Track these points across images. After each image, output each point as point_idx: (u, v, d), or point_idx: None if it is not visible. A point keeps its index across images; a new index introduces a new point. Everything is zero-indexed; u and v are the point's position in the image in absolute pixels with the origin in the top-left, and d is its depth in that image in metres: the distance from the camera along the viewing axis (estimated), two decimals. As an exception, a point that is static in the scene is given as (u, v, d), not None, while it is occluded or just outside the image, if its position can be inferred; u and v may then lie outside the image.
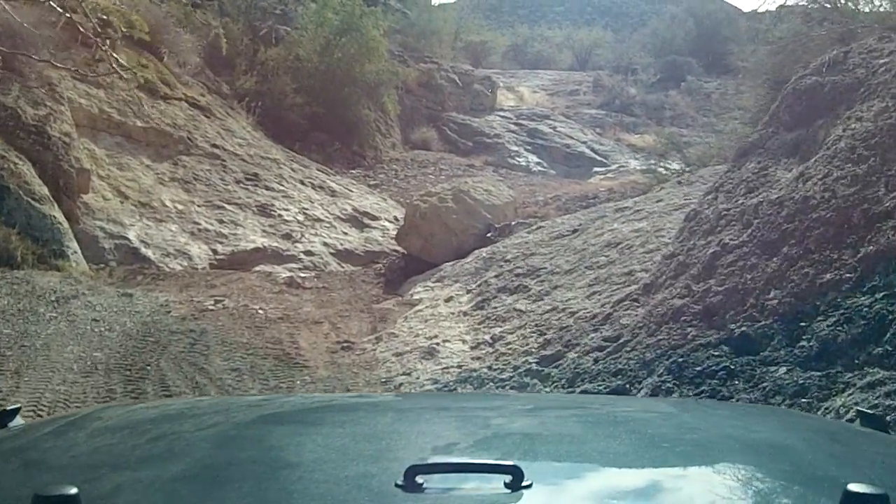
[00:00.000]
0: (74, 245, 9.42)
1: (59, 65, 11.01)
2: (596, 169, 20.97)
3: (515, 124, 23.15)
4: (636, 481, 1.54)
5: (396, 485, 1.32)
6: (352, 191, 14.00)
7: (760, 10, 34.37)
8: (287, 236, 11.59)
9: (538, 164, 20.95)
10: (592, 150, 22.07)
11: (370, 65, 18.71)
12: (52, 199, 9.49)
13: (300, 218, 12.13)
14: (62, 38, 11.63)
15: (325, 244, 11.75)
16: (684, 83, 26.31)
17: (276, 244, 11.30)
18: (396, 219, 13.21)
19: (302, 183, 13.36)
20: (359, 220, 12.79)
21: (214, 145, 12.96)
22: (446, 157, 19.92)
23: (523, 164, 20.85)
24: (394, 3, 25.88)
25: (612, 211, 9.27)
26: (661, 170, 13.30)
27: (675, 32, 31.00)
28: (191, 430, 1.95)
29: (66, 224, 9.39)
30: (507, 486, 1.32)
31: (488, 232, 10.61)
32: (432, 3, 32.02)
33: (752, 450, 1.73)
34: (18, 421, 1.93)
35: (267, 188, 12.61)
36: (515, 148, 21.62)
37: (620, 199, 12.55)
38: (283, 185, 12.89)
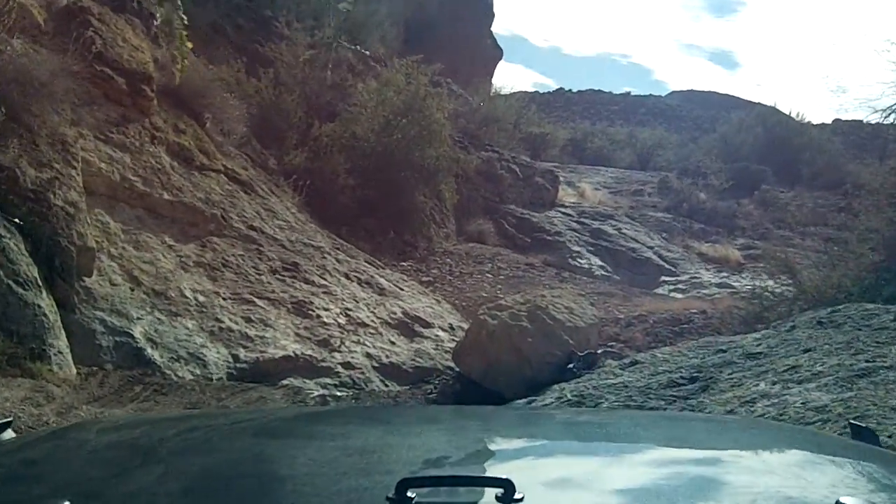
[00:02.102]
0: (61, 342, 7.39)
1: (74, 119, 9.15)
2: (664, 278, 18.81)
3: (577, 222, 21.08)
4: (627, 495, 1.49)
5: (388, 498, 1.29)
6: (402, 289, 11.91)
7: (843, 119, 32.36)
8: (324, 343, 9.48)
9: (601, 267, 18.82)
10: (660, 256, 19.91)
11: (430, 149, 16.84)
12: (41, 283, 7.49)
13: (342, 321, 10.04)
14: (88, 91, 9.79)
15: (369, 355, 9.62)
16: (758, 192, 24.18)
17: (310, 352, 9.19)
18: (451, 327, 11.08)
19: (347, 277, 11.31)
20: (409, 326, 10.67)
21: (251, 227, 10.98)
22: (503, 252, 17.84)
23: (585, 266, 18.73)
24: (455, 87, 24.23)
25: (742, 356, 7.05)
26: (767, 294, 11.02)
27: (743, 139, 29.01)
28: (182, 443, 1.93)
29: (52, 316, 7.37)
30: (498, 499, 1.30)
31: (569, 362, 8.44)
32: (491, 93, 30.60)
33: (744, 463, 1.74)
34: (9, 434, 1.86)
35: (306, 281, 10.56)
36: (577, 248, 19.51)
37: (721, 328, 10.35)
38: (325, 279, 10.84)
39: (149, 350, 8.15)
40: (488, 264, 16.21)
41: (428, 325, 10.86)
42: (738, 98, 56.54)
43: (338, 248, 12.27)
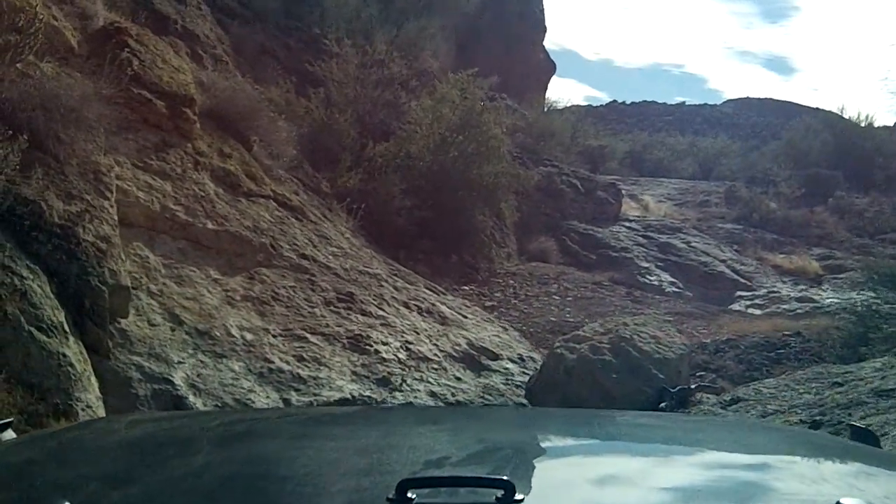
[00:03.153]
0: (90, 395, 6.49)
1: (109, 146, 8.32)
2: (739, 293, 17.58)
3: (644, 237, 19.93)
4: (627, 496, 1.48)
5: (388, 499, 1.29)
6: (466, 316, 10.89)
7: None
8: (384, 381, 8.50)
9: (672, 283, 17.65)
10: (734, 270, 18.67)
11: (489, 166, 15.86)
12: (68, 328, 6.62)
13: (402, 355, 9.05)
14: (124, 116, 8.97)
15: (433, 394, 8.62)
16: (831, 199, 22.73)
17: (369, 392, 8.22)
18: (521, 358, 10.02)
19: (406, 306, 10.32)
20: (475, 359, 9.64)
21: (303, 255, 10.06)
22: (567, 271, 16.78)
23: (655, 283, 17.58)
24: (510, 102, 23.21)
25: (872, 394, 5.91)
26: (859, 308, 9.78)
27: (811, 144, 27.52)
28: (183, 444, 1.91)
29: (81, 365, 6.48)
30: (498, 500, 1.29)
31: (660, 400, 7.35)
32: (545, 108, 29.62)
33: (744, 464, 1.72)
34: (10, 434, 1.86)
35: (363, 313, 9.59)
36: (646, 264, 18.36)
37: (822, 353, 9.14)
38: (383, 310, 9.86)
39: (191, 398, 7.24)
40: (554, 285, 15.14)
41: (496, 357, 9.82)
42: (796, 104, 54.77)
43: (395, 275, 11.30)
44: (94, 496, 1.46)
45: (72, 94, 7.85)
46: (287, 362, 8.21)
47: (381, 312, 9.78)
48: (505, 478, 1.31)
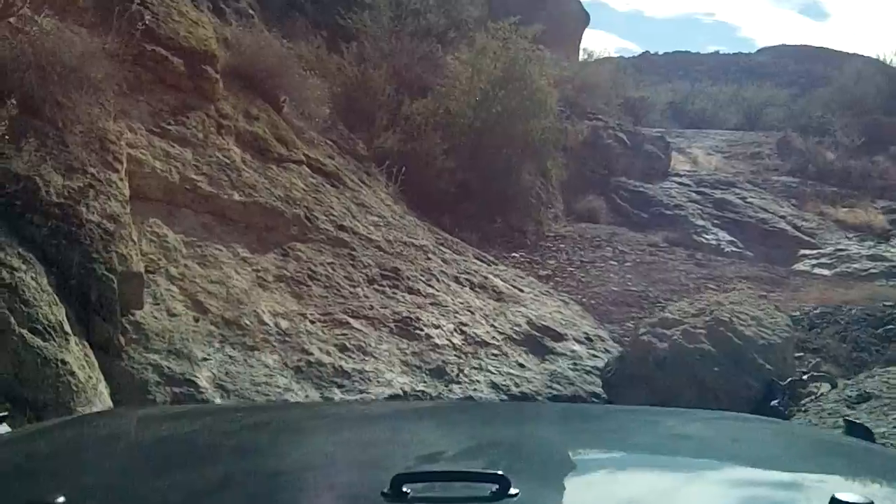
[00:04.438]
0: (96, 408, 5.37)
1: (119, 110, 7.16)
2: (803, 251, 16.20)
3: (697, 192, 18.55)
4: (622, 490, 1.46)
5: (383, 493, 1.27)
6: (522, 290, 9.68)
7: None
8: (439, 372, 7.34)
9: (731, 243, 16.33)
10: (794, 226, 17.27)
11: (535, 121, 14.49)
12: (69, 327, 5.50)
13: (457, 340, 7.87)
14: (136, 76, 7.79)
15: (495, 385, 7.44)
16: (893, 147, 21.13)
17: (422, 386, 7.07)
18: (588, 337, 8.81)
19: (457, 280, 9.12)
20: (538, 341, 8.44)
21: (341, 227, 8.87)
22: (619, 231, 15.46)
23: (713, 242, 16.25)
24: (548, 54, 21.72)
25: None
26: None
27: (864, 90, 25.78)
28: (178, 438, 1.91)
29: (83, 373, 5.36)
30: (493, 494, 1.27)
31: (769, 395, 6.10)
32: (580, 59, 28.10)
33: (739, 458, 1.70)
34: (5, 428, 1.84)
35: (410, 291, 8.41)
36: (701, 222, 17.03)
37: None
38: (432, 286, 8.67)
39: (218, 401, 6.11)
40: (608, 248, 13.85)
41: (560, 338, 8.60)
42: (834, 50, 52.47)
43: (442, 245, 10.09)
44: (90, 491, 1.42)
45: (71, 52, 6.65)
46: (328, 353, 7.06)
47: (430, 290, 8.59)
48: (500, 472, 1.29)
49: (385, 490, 1.27)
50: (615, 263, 12.61)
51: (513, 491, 1.27)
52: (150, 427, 2.08)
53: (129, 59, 7.56)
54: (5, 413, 1.94)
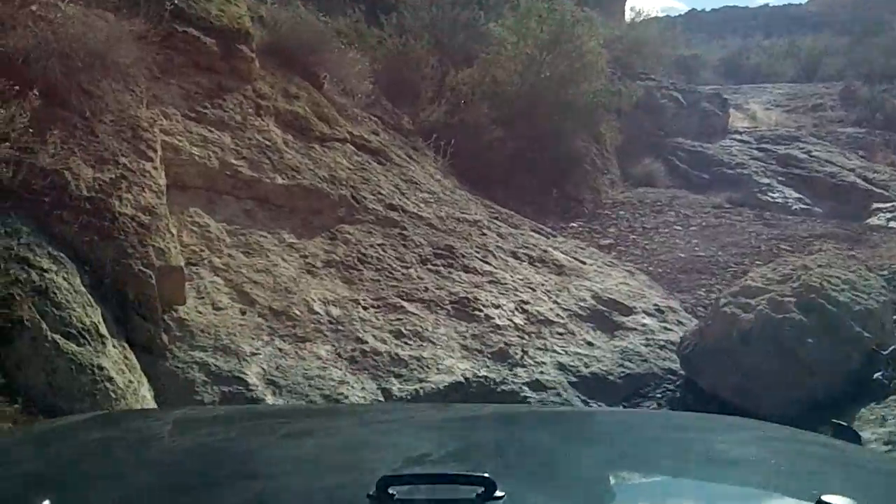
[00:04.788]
0: (139, 414, 5.01)
1: (151, 96, 6.78)
2: (876, 205, 15.31)
3: (759, 149, 17.71)
4: (608, 494, 1.44)
5: (369, 496, 1.27)
6: (584, 262, 9.15)
7: None
8: (501, 356, 6.88)
9: (798, 200, 15.50)
10: (865, 179, 16.36)
11: (586, 84, 13.87)
12: (105, 329, 5.15)
13: (518, 319, 7.39)
14: (167, 59, 7.40)
15: (562, 366, 6.96)
16: (965, 91, 20.07)
17: (485, 372, 6.61)
18: (658, 309, 8.27)
19: (515, 256, 8.63)
20: (605, 316, 7.93)
21: (390, 206, 8.43)
22: (679, 195, 14.78)
23: (779, 201, 15.46)
24: (595, 15, 20.98)
25: None
26: None
27: (929, 32, 24.54)
28: (164, 441, 1.91)
29: (122, 378, 4.99)
30: (479, 497, 1.27)
31: (874, 369, 5.52)
32: (625, 19, 27.20)
33: (726, 462, 1.69)
34: None
35: (466, 269, 7.95)
36: (766, 180, 16.22)
37: None
38: (489, 264, 8.20)
39: (269, 398, 5.74)
40: (670, 212, 13.21)
41: (629, 311, 8.08)
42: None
43: (497, 219, 9.60)
44: (76, 493, 1.40)
45: (97, 37, 6.27)
46: (383, 341, 6.64)
47: (487, 267, 8.11)
48: (486, 475, 1.28)
49: (371, 492, 1.26)
50: (680, 228, 11.99)
51: (498, 493, 1.26)
52: (136, 431, 2.03)
53: (158, 42, 7.16)
54: None
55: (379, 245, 7.80)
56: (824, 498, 1.21)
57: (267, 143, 7.91)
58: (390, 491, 1.27)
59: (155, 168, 6.28)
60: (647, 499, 1.45)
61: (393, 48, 12.68)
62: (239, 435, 1.98)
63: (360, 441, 1.86)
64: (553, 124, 13.41)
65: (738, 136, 18.56)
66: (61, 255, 5.22)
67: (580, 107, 13.85)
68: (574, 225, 11.79)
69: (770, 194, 15.67)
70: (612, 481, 1.53)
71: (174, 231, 6.13)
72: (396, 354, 6.49)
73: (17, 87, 5.33)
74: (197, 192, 7.13)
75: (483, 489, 1.27)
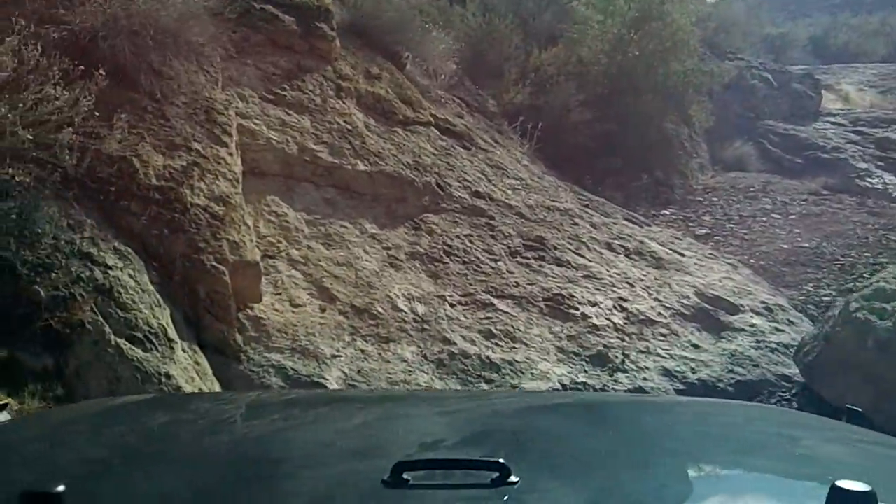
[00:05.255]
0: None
1: (227, 77, 6.24)
2: (984, 191, 14.10)
3: (855, 132, 16.53)
4: (623, 479, 1.42)
5: (383, 481, 1.25)
6: (683, 254, 8.38)
7: None
8: (600, 360, 6.19)
9: (899, 186, 14.36)
10: (970, 164, 15.12)
11: (676, 63, 12.99)
12: (175, 332, 4.62)
13: (617, 319, 6.69)
14: (244, 38, 6.86)
15: (667, 371, 6.24)
16: None
17: (583, 377, 5.94)
18: (767, 307, 7.47)
19: (610, 248, 7.91)
20: (710, 314, 7.17)
21: (477, 193, 7.78)
22: (773, 180, 13.83)
23: (879, 186, 14.34)
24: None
25: None
26: None
27: None
28: (178, 426, 1.86)
29: (190, 387, 4.45)
30: (493, 482, 1.25)
31: None
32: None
33: (740, 447, 1.67)
34: (5, 416, 1.82)
35: (559, 263, 7.26)
36: (863, 165, 15.09)
37: None
38: (583, 256, 7.49)
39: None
40: (765, 199, 12.30)
41: (735, 310, 7.31)
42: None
43: (587, 207, 8.87)
44: (91, 479, 1.40)
45: (169, 14, 5.72)
46: (472, 341, 6.01)
47: (581, 260, 7.42)
48: (500, 460, 1.27)
49: (386, 477, 1.25)
50: (778, 216, 11.09)
51: (513, 479, 1.24)
52: (149, 416, 1.98)
53: (234, 20, 6.64)
54: (6, 402, 1.87)
55: (465, 236, 7.16)
56: (838, 483, 1.15)
57: (348, 126, 7.33)
58: (405, 476, 1.25)
59: (230, 154, 5.73)
60: (662, 484, 1.39)
61: (476, 27, 12.00)
62: (252, 420, 1.93)
63: (375, 427, 1.82)
64: (641, 106, 12.60)
65: (832, 119, 17.40)
66: (128, 249, 4.71)
67: (670, 87, 12.99)
68: (666, 212, 10.99)
69: (869, 180, 14.56)
70: (627, 467, 1.47)
71: (250, 222, 5.58)
72: (487, 357, 5.86)
73: (81, 68, 4.81)
74: (274, 179, 6.58)
75: (497, 474, 1.25)
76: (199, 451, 1.60)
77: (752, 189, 12.96)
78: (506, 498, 1.23)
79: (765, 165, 15.23)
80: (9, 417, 1.84)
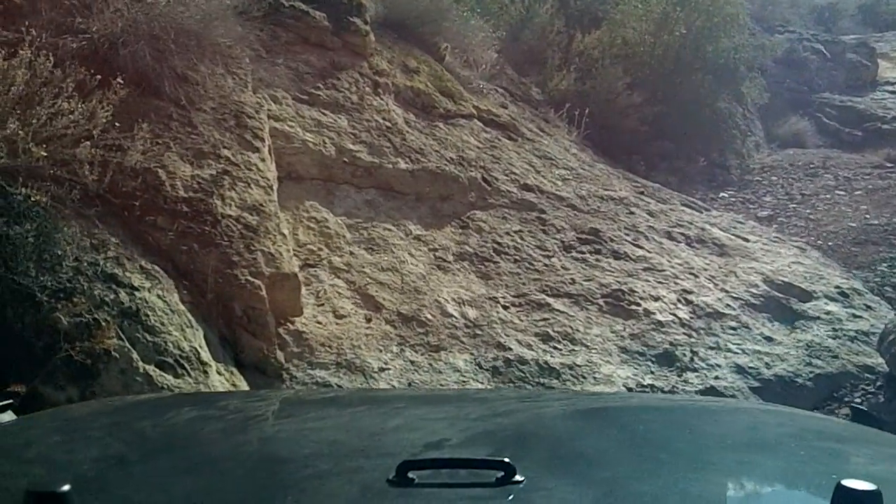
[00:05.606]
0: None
1: (257, 79, 5.86)
2: None
3: (916, 100, 15.72)
4: (628, 478, 1.39)
5: (388, 480, 1.25)
6: (747, 239, 7.83)
7: None
8: (667, 358, 5.70)
9: (967, 157, 13.54)
10: None
11: (726, 40, 12.37)
12: (209, 354, 4.26)
13: (683, 313, 6.19)
14: (272, 37, 6.49)
15: (739, 368, 5.74)
16: None
17: (650, 380, 5.46)
18: (842, 292, 6.92)
19: (669, 236, 7.40)
20: (781, 303, 6.63)
21: (525, 186, 7.33)
22: (832, 155, 13.16)
23: (945, 157, 13.54)
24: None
25: None
26: None
27: None
28: (184, 424, 1.84)
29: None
30: (498, 481, 1.24)
31: None
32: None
33: (746, 446, 1.64)
34: (9, 416, 1.77)
35: (616, 255, 6.78)
36: (928, 135, 14.29)
37: None
38: (641, 247, 7.00)
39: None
40: (826, 175, 11.66)
41: (808, 297, 6.76)
42: None
43: (642, 194, 8.36)
44: (97, 478, 1.38)
45: (191, 14, 5.36)
46: (528, 346, 5.57)
47: (639, 252, 6.92)
48: (505, 459, 1.25)
49: (391, 477, 1.24)
50: (843, 193, 10.45)
51: (518, 478, 1.23)
52: (155, 414, 1.93)
53: (262, 18, 6.26)
54: (10, 401, 1.76)
55: (516, 232, 6.72)
56: (844, 482, 1.11)
57: (387, 123, 6.92)
58: (410, 475, 1.23)
59: (262, 160, 5.36)
60: (667, 484, 1.34)
61: (515, 13, 11.51)
62: (257, 420, 1.89)
63: (380, 426, 1.77)
64: (692, 85, 12.05)
65: (891, 87, 16.57)
66: (155, 268, 4.35)
67: (720, 65, 12.38)
68: (724, 195, 10.43)
69: (935, 149, 13.77)
70: (632, 466, 1.42)
71: (286, 231, 5.20)
72: (545, 362, 5.41)
73: (98, 77, 4.46)
74: (312, 183, 6.20)
75: (502, 473, 1.23)
76: (204, 449, 1.57)
77: (811, 166, 12.31)
78: (511, 497, 1.22)
79: (823, 140, 14.53)
80: (14, 417, 1.77)
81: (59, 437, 1.71)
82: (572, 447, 1.59)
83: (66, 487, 1.11)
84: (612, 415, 1.99)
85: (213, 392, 3.86)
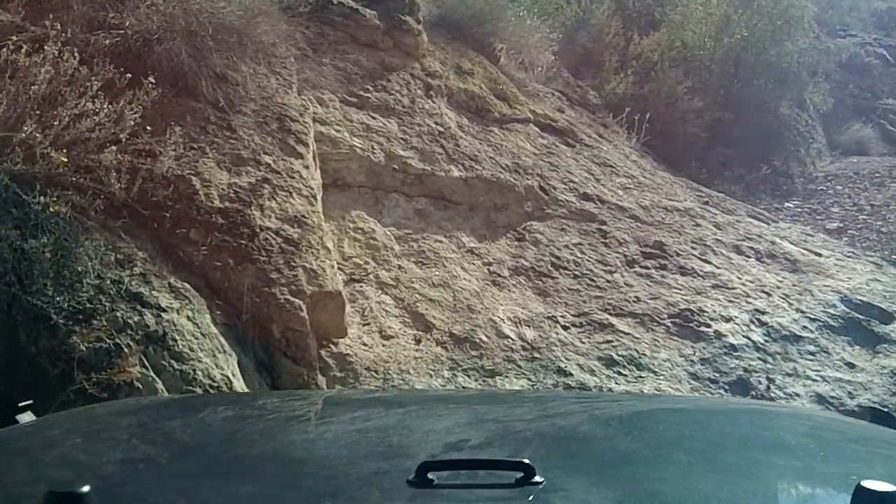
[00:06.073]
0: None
1: (301, 79, 5.39)
2: None
3: None
4: (647, 479, 1.35)
5: (408, 481, 1.23)
6: (820, 254, 7.18)
7: None
8: (741, 386, 5.11)
9: None
10: None
11: (789, 43, 11.67)
12: (242, 382, 3.77)
13: (756, 336, 5.59)
14: (319, 35, 6.03)
15: (819, 397, 5.13)
16: None
17: (724, 412, 4.84)
18: (928, 313, 6.22)
19: (738, 251, 6.78)
20: (862, 325, 5.99)
21: (585, 196, 6.76)
22: (899, 163, 12.34)
23: None
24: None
25: None
26: None
27: None
28: (202, 426, 1.80)
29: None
30: (517, 482, 1.22)
31: None
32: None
33: (765, 447, 1.62)
34: (29, 417, 1.71)
35: (682, 271, 6.19)
36: None
37: None
38: (709, 262, 6.40)
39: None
40: (894, 186, 10.88)
41: (890, 318, 6.11)
42: None
43: (707, 204, 7.74)
44: (116, 479, 1.36)
45: (232, 10, 4.90)
46: (591, 371, 5.01)
47: (708, 268, 6.32)
48: (524, 460, 1.23)
49: (411, 478, 1.21)
50: (917, 204, 9.70)
51: (537, 479, 1.20)
52: (173, 416, 1.87)
53: (308, 15, 5.79)
54: (30, 402, 1.68)
55: (575, 245, 6.16)
56: (863, 483, 1.08)
57: (439, 128, 6.41)
58: (430, 476, 1.20)
59: (306, 167, 4.88)
60: (687, 484, 1.31)
61: (571, 14, 10.93)
62: (275, 420, 1.82)
63: (399, 427, 1.74)
64: (754, 90, 11.37)
65: (958, 94, 15.67)
66: (185, 286, 3.88)
67: (783, 69, 11.67)
68: (789, 205, 9.74)
69: None
70: (652, 467, 1.38)
71: (330, 245, 4.71)
72: (610, 390, 4.85)
73: (129, 76, 4.01)
74: (359, 191, 5.71)
75: (522, 474, 1.20)
76: (222, 451, 1.54)
77: (877, 175, 11.56)
78: (530, 498, 1.19)
79: (887, 148, 13.77)
80: (33, 418, 1.69)
81: (81, 437, 1.67)
82: (592, 448, 1.57)
83: (85, 488, 1.08)
84: (632, 416, 1.94)
85: (229, 394, 3.47)
